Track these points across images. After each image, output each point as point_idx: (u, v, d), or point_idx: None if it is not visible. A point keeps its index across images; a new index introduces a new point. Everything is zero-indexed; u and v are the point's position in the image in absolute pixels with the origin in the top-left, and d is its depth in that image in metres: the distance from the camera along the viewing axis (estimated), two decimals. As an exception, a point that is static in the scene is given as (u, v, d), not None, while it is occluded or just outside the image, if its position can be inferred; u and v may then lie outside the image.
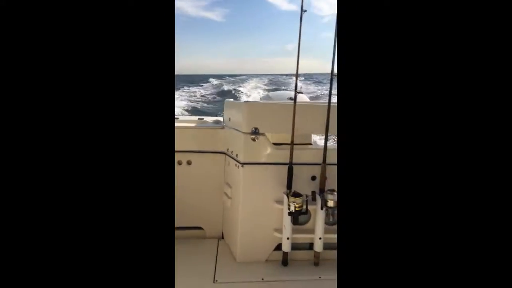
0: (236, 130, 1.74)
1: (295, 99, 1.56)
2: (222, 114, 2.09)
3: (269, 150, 1.66)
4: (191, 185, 1.97)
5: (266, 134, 1.64)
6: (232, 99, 2.23)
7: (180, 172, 1.96)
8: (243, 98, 12.66)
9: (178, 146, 1.95)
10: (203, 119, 2.21)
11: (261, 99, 2.40)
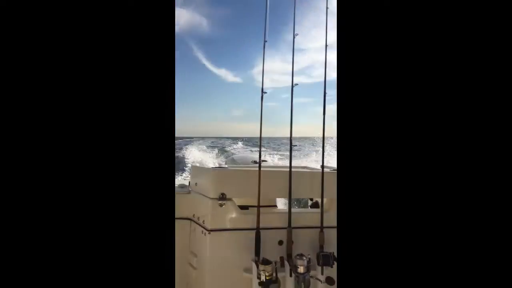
0: (203, 195, 1.71)
1: (259, 164, 1.64)
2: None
3: (236, 215, 1.65)
4: None
5: (233, 199, 1.65)
6: (198, 164, 2.22)
7: None
8: (190, 161, 12.45)
9: None
10: None
11: (226, 162, 2.45)
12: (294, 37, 1.74)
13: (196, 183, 1.87)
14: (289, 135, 1.72)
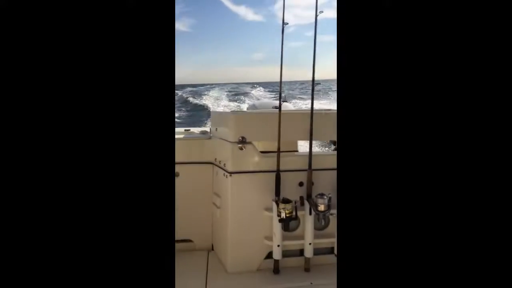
0: (223, 140, 1.73)
1: (280, 107, 1.60)
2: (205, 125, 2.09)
3: (256, 158, 1.67)
4: (179, 197, 1.91)
5: (253, 142, 1.66)
6: (218, 110, 2.23)
7: None
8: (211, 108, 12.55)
9: None
10: (189, 130, 2.17)
11: (247, 108, 2.43)
12: None
13: (216, 129, 1.88)
14: (319, 78, 1.64)
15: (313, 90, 1.64)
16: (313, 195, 1.62)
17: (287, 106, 2.04)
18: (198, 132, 2.10)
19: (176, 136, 1.96)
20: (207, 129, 2.13)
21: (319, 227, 1.70)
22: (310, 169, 1.63)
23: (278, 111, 1.59)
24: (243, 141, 1.62)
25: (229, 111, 1.97)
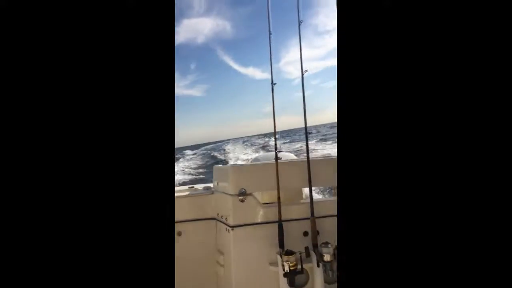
0: (225, 193, 1.75)
1: (276, 156, 1.64)
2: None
3: (258, 209, 1.66)
4: (182, 257, 1.87)
5: (255, 194, 1.66)
6: (220, 165, 2.29)
7: None
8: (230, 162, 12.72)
9: None
10: (193, 187, 2.21)
11: (250, 162, 2.49)
12: (299, 24, 1.70)
13: (218, 183, 1.91)
14: (326, 122, 1.70)
15: (307, 138, 1.68)
16: (319, 244, 1.55)
17: (288, 155, 2.07)
18: (201, 188, 2.13)
19: (179, 194, 1.99)
20: (211, 184, 2.16)
21: (330, 280, 1.59)
22: (312, 216, 1.59)
23: (275, 162, 1.62)
24: (243, 193, 1.63)
25: (230, 164, 2.01)
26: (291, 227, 1.61)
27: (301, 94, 1.66)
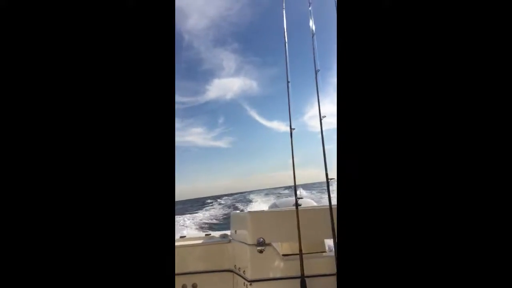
0: (242, 242, 1.64)
1: (296, 204, 1.54)
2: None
3: (278, 262, 1.53)
4: None
5: (274, 244, 1.55)
6: (237, 211, 2.20)
7: None
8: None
9: (183, 268, 1.84)
10: (209, 234, 2.13)
11: (269, 208, 2.38)
12: (316, 73, 1.72)
13: (236, 231, 1.82)
14: None
15: (328, 186, 1.60)
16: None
17: (309, 202, 1.95)
18: (218, 236, 2.04)
19: (195, 242, 1.91)
20: (228, 232, 2.06)
21: None
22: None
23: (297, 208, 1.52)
24: (262, 243, 1.52)
25: (248, 211, 1.92)
26: (314, 284, 1.45)
27: (330, 147, 1.60)
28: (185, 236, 2.16)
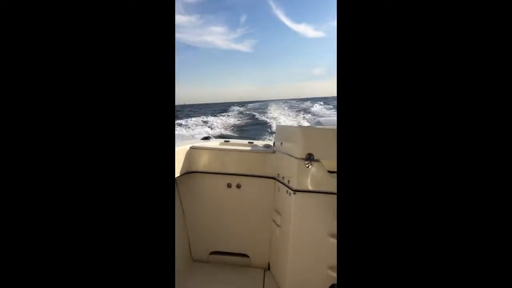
0: (289, 155, 1.64)
1: None
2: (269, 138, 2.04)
3: (324, 177, 1.54)
4: (239, 209, 1.90)
5: (321, 161, 1.54)
6: (283, 123, 2.18)
7: (229, 195, 1.90)
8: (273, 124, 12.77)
9: (228, 168, 1.93)
10: (253, 142, 2.16)
11: (312, 125, 2.34)
12: None
13: (281, 143, 1.81)
14: None
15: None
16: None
17: None
18: (261, 145, 2.06)
19: (240, 148, 1.95)
20: (271, 143, 2.08)
21: None
22: None
23: None
24: (310, 158, 1.51)
25: (296, 125, 1.88)
26: None
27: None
28: (229, 141, 2.21)
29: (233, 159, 1.88)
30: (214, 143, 2.09)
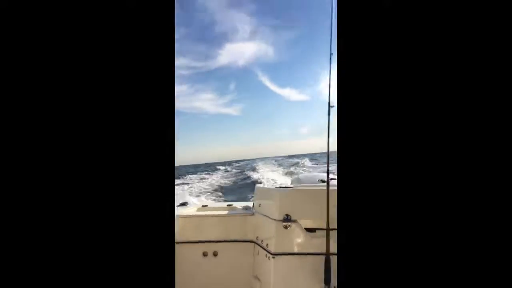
0: (267, 217, 1.64)
1: (328, 181, 1.50)
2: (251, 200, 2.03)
3: (302, 239, 1.52)
4: (215, 280, 1.78)
5: (299, 221, 1.54)
6: (261, 185, 2.19)
7: (205, 264, 1.80)
8: (264, 183, 12.72)
9: (205, 235, 1.87)
10: (231, 205, 2.14)
11: (292, 182, 2.36)
12: (330, 57, 1.59)
13: (260, 204, 1.81)
14: None
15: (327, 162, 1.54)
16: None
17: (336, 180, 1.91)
18: (241, 207, 2.05)
19: (218, 212, 1.92)
20: (251, 204, 2.07)
21: None
22: None
23: (325, 186, 1.48)
24: (288, 219, 1.51)
25: (274, 187, 1.89)
26: None
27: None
28: (206, 206, 2.18)
29: (210, 225, 1.84)
30: (191, 210, 2.06)
